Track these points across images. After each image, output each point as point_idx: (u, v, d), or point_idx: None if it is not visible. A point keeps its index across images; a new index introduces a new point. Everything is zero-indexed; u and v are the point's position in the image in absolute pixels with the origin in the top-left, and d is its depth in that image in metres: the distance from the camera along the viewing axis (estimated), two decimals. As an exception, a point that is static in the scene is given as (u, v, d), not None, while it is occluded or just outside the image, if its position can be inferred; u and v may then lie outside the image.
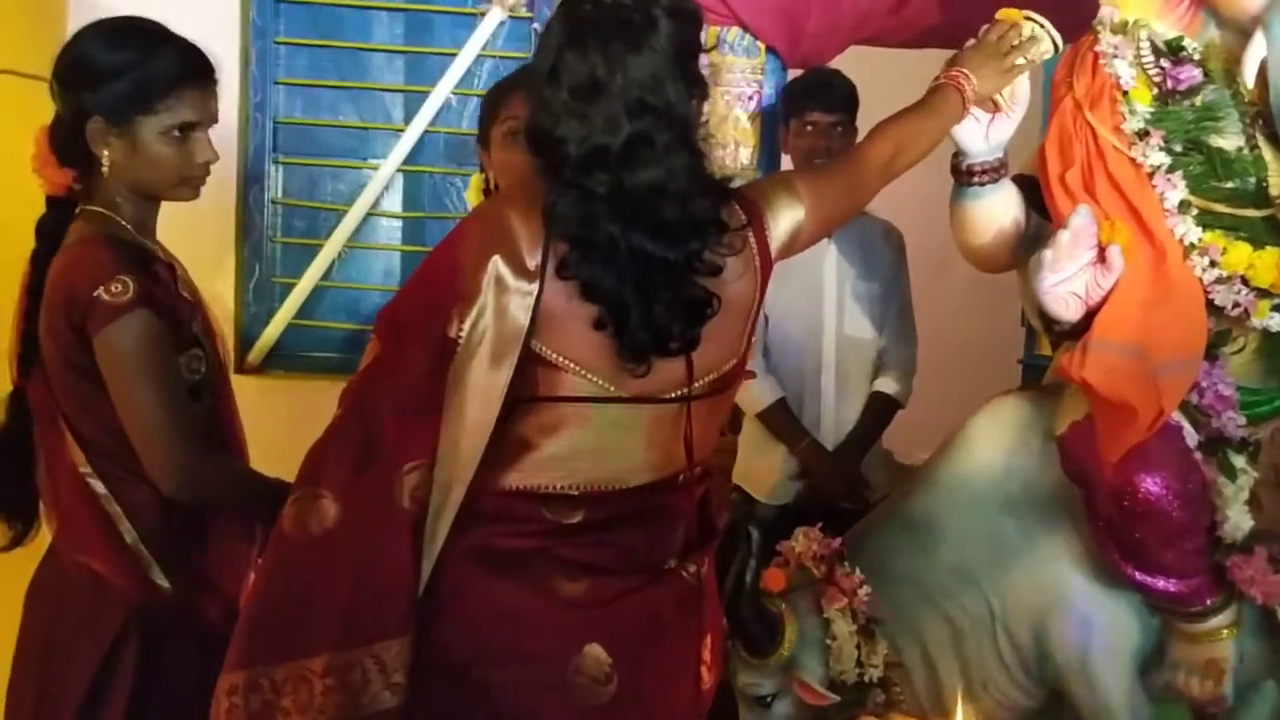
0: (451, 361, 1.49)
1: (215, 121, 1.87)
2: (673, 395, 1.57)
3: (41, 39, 2.68)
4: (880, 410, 2.83)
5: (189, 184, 1.86)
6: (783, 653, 2.11)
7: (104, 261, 1.75)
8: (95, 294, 1.71)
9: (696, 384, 1.57)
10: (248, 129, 2.96)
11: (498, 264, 1.48)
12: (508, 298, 1.48)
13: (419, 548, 1.52)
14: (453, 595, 1.55)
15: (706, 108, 1.62)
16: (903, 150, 1.78)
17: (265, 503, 1.70)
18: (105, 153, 1.81)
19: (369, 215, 3.03)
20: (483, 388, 1.50)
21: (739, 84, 2.88)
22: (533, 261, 1.48)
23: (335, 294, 3.06)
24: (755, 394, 2.73)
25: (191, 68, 1.83)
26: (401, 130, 3.00)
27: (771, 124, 2.90)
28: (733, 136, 2.89)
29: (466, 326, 1.48)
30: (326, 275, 3.02)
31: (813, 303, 2.79)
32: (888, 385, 2.83)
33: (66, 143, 1.83)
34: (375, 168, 3.01)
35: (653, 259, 1.48)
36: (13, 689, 1.90)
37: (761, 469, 2.85)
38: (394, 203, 3.07)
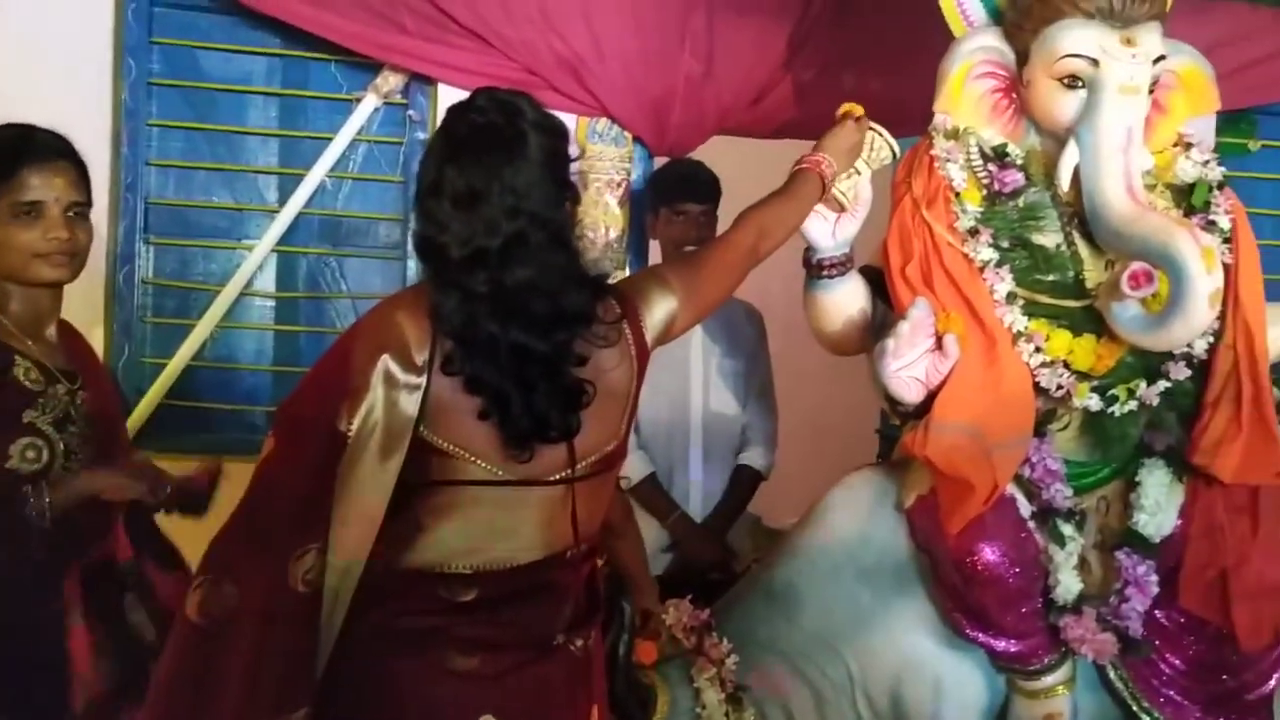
0: (343, 454, 1.57)
1: (72, 201, 1.92)
2: (557, 477, 1.66)
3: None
4: (745, 482, 2.97)
5: (47, 262, 1.90)
6: (655, 723, 2.18)
7: None
8: None
9: (579, 466, 1.67)
10: (119, 210, 2.93)
11: (387, 361, 1.57)
12: (397, 392, 1.57)
13: (315, 627, 1.59)
14: (354, 674, 1.62)
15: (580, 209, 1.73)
16: (767, 235, 1.91)
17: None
18: None
19: (242, 295, 3.03)
20: (373, 476, 1.58)
21: (608, 171, 3.00)
22: (420, 358, 1.58)
23: (208, 373, 3.04)
24: (626, 469, 2.82)
25: (29, 148, 1.90)
26: (276, 211, 3.02)
27: (639, 208, 3.03)
28: (603, 220, 3.00)
29: (356, 421, 1.56)
30: (199, 355, 3.00)
31: (680, 381, 2.92)
32: (752, 458, 2.97)
33: None
34: (249, 248, 3.02)
35: (529, 351, 1.58)
36: None
37: (633, 542, 2.93)
38: (267, 282, 3.08)
